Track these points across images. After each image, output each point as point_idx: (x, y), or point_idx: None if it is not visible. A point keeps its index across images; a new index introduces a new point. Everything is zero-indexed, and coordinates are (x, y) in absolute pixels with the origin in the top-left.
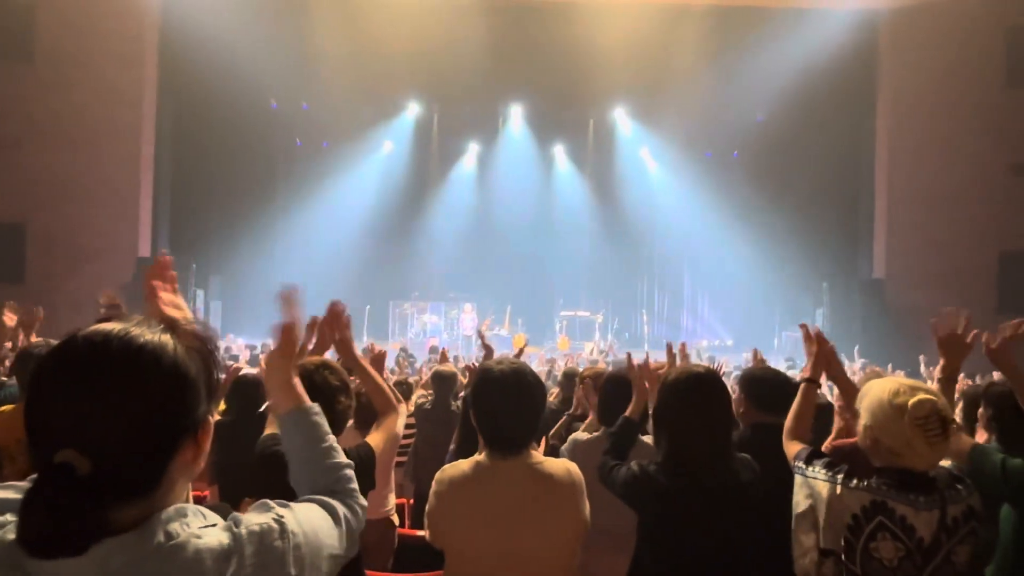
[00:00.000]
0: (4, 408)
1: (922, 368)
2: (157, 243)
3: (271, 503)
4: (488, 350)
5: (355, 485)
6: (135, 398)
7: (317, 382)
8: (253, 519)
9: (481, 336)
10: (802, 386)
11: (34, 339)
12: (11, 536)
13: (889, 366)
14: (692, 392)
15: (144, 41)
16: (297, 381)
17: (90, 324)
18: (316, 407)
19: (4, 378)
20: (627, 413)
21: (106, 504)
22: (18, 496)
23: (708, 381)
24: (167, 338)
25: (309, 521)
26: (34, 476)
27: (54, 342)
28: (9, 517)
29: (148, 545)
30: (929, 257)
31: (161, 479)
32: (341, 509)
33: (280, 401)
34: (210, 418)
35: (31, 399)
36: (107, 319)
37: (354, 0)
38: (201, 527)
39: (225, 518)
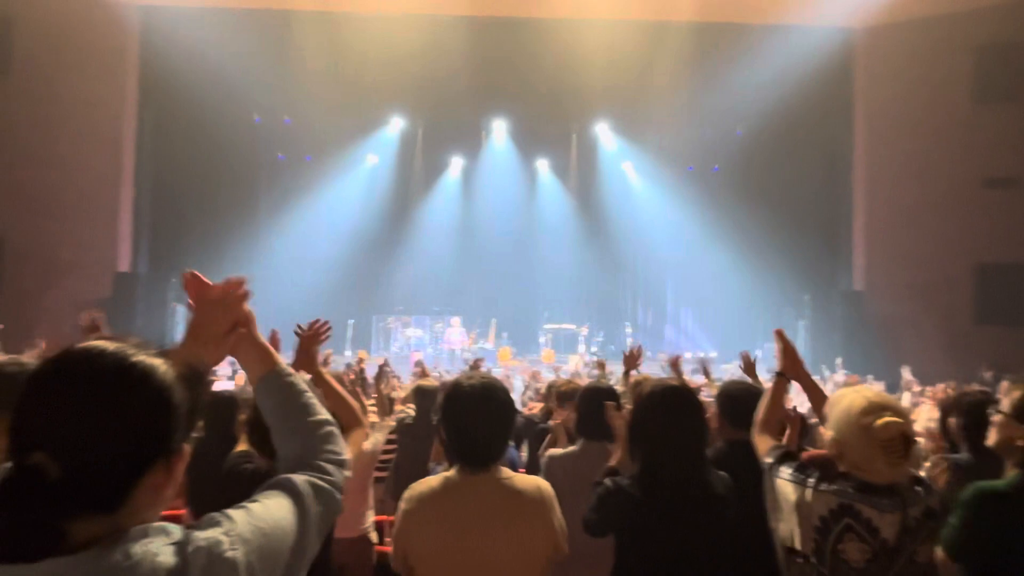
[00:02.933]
0: None
1: (907, 376)
2: (137, 258)
3: (217, 515)
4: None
5: (330, 442)
6: (116, 413)
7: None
8: (202, 534)
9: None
10: (773, 379)
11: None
12: None
13: (870, 377)
14: (667, 405)
15: (125, 54)
16: (267, 345)
17: (67, 338)
18: (288, 368)
19: None
20: (612, 463)
21: (68, 514)
22: None
23: (683, 395)
24: (159, 362)
25: (262, 516)
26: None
27: (22, 359)
28: None
29: (104, 564)
30: (907, 269)
31: (126, 499)
32: (301, 482)
33: (253, 370)
34: (186, 447)
35: (20, 403)
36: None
37: (338, 15)
38: (163, 545)
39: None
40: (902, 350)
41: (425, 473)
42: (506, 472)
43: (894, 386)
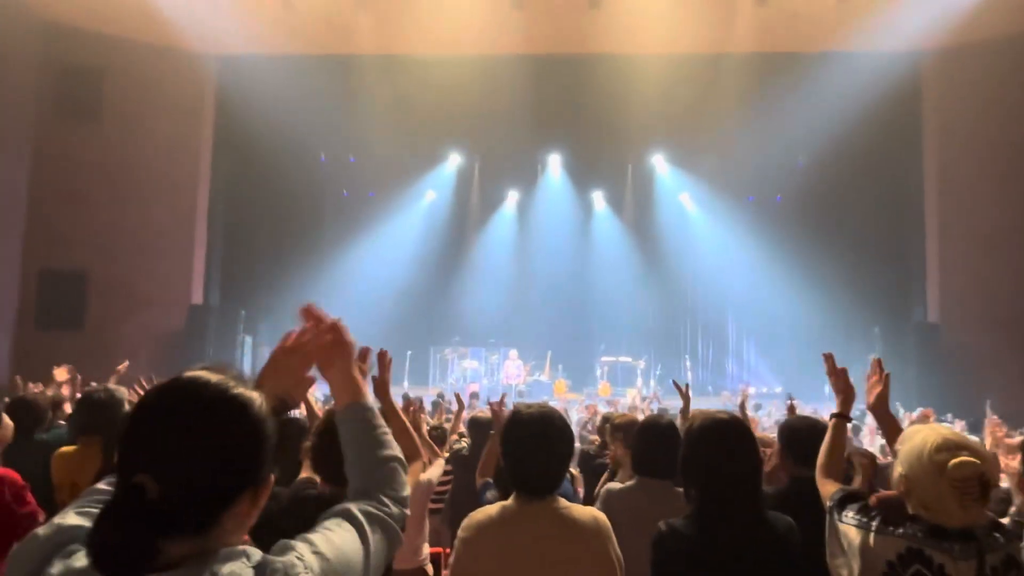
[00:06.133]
0: (66, 449)
1: (989, 414)
2: (209, 291)
3: (289, 542)
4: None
5: (394, 478)
6: (215, 441)
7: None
8: (278, 558)
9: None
10: (832, 422)
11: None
12: (78, 563)
13: (949, 415)
14: (718, 440)
15: (202, 100)
16: (358, 378)
17: (143, 369)
18: (369, 402)
19: (61, 421)
20: None
21: (164, 533)
22: (83, 523)
23: (734, 427)
24: (256, 395)
25: (328, 543)
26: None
27: (111, 387)
28: (76, 547)
29: None
30: (986, 299)
31: (213, 524)
32: (360, 512)
33: (340, 397)
34: (272, 478)
35: (128, 425)
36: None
37: (398, 58)
38: (245, 567)
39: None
40: (984, 387)
41: (478, 499)
42: (563, 502)
43: (976, 424)
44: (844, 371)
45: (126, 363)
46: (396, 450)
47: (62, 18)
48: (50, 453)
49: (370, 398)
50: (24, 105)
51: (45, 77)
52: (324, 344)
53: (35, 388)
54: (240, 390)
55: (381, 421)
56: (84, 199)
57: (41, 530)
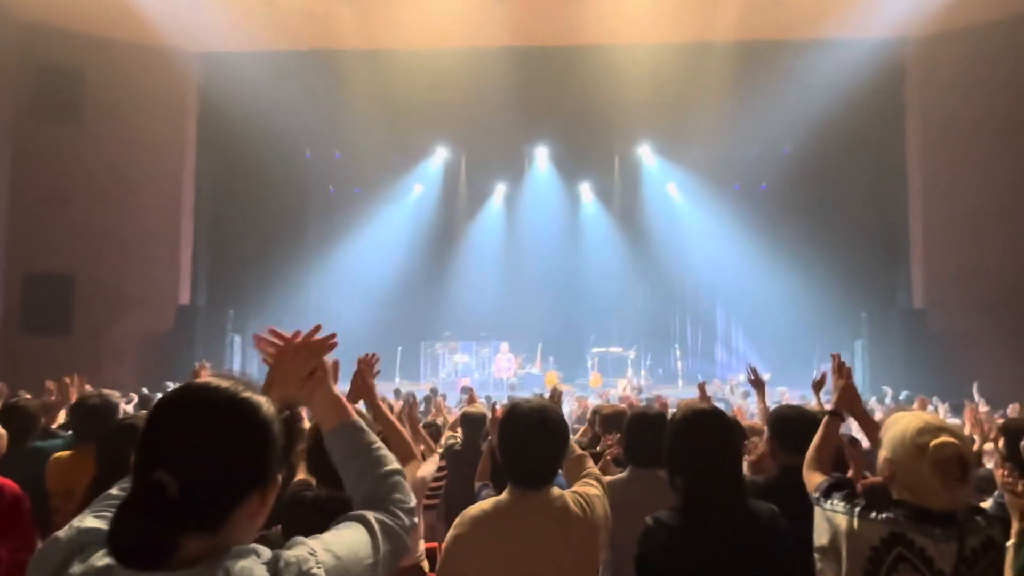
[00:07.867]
0: (61, 454)
1: (976, 397)
2: (196, 291)
3: (302, 538)
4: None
5: (400, 491)
6: (227, 441)
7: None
8: (290, 552)
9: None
10: (825, 418)
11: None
12: (97, 563)
13: (934, 399)
14: (698, 431)
15: (185, 98)
16: (341, 397)
17: (132, 371)
18: (359, 421)
19: (54, 427)
20: None
21: (181, 529)
22: (100, 525)
23: (714, 418)
24: (264, 400)
25: (339, 543)
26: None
27: (106, 391)
28: (94, 548)
29: None
30: (971, 284)
31: (227, 521)
32: (374, 519)
33: (327, 420)
34: (279, 478)
35: (147, 425)
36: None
37: (382, 52)
38: (258, 564)
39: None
40: (969, 371)
41: (474, 498)
42: (557, 492)
43: (959, 407)
44: (849, 371)
45: (76, 376)
46: (394, 463)
47: (41, 18)
48: (43, 461)
49: (354, 415)
50: (3, 106)
51: (24, 78)
52: (315, 350)
53: (52, 388)
54: (249, 394)
55: (373, 436)
56: (67, 201)
57: (61, 533)
